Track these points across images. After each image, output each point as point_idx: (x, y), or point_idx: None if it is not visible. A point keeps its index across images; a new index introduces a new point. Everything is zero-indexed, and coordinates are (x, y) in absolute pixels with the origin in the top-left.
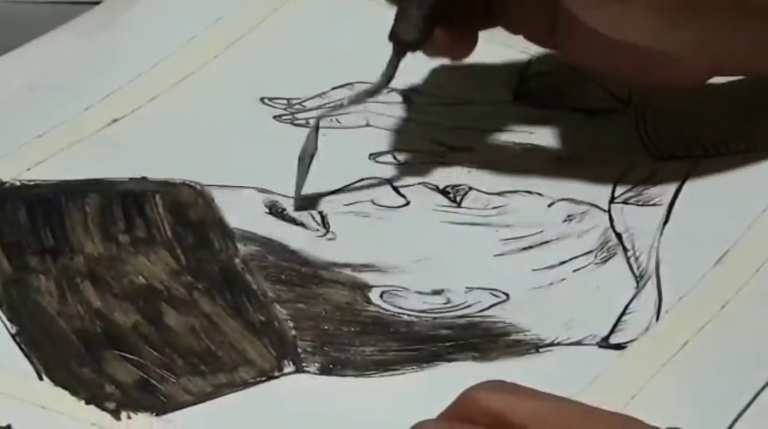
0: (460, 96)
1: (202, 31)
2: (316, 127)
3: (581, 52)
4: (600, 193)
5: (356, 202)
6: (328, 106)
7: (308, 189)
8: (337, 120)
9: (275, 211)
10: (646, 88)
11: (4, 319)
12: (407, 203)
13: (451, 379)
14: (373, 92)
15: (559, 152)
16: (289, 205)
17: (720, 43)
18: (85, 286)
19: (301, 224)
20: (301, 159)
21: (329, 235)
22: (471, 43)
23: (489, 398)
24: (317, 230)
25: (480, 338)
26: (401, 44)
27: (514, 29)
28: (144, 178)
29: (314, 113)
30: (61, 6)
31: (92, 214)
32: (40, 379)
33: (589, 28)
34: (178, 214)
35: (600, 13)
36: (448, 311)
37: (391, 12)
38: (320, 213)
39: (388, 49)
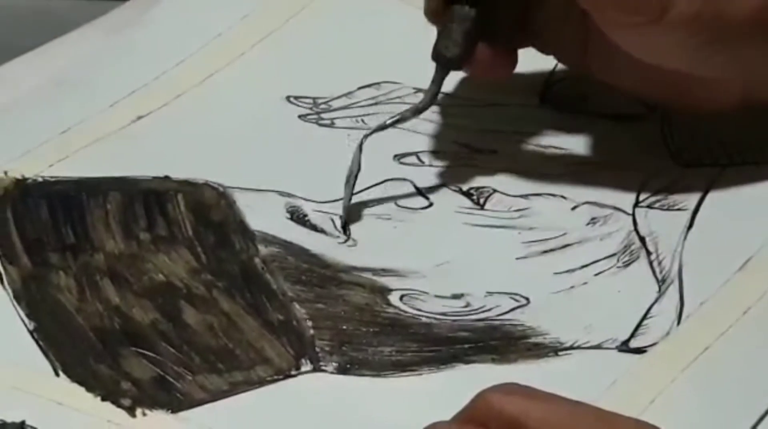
0: (486, 99)
1: (228, 29)
2: (360, 147)
3: (613, 74)
4: (624, 197)
5: (379, 204)
6: (369, 122)
7: (332, 191)
8: (362, 121)
9: (296, 217)
10: (678, 111)
11: (23, 315)
12: (430, 205)
13: (469, 381)
14: (418, 111)
15: (584, 156)
16: (310, 211)
17: (751, 70)
18: (105, 284)
19: (322, 231)
20: (347, 179)
21: (350, 242)
22: (512, 61)
23: (503, 401)
24: (338, 237)
25: (499, 341)
26: (443, 62)
27: (546, 49)
28: (167, 178)
29: (340, 113)
30: (89, 3)
31: (114, 212)
32: (57, 375)
33: (621, 50)
34: (199, 214)
35: (632, 35)
36: (467, 315)
37: (419, 11)
38: (342, 218)
39: (415, 49)
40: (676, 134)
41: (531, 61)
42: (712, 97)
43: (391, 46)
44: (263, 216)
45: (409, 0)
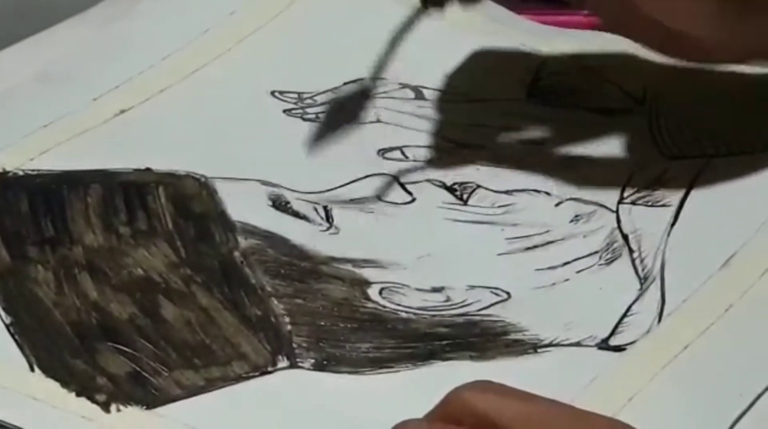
0: (473, 93)
1: (215, 25)
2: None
3: (618, 21)
4: (609, 193)
5: (362, 198)
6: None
7: (315, 184)
8: None
9: (279, 204)
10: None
11: (0, 309)
12: (413, 200)
13: (447, 378)
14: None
15: (570, 151)
16: (293, 199)
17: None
18: (83, 278)
19: (305, 218)
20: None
21: (332, 230)
22: None
23: (475, 399)
24: (320, 224)
25: (478, 337)
26: None
27: None
28: (148, 170)
29: (324, 108)
30: None
31: (94, 205)
32: (32, 370)
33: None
34: (180, 206)
35: (669, 6)
36: (447, 309)
37: (404, 8)
38: (324, 207)
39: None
40: (663, 126)
41: (519, 55)
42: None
43: (375, 43)
44: (245, 205)
45: None
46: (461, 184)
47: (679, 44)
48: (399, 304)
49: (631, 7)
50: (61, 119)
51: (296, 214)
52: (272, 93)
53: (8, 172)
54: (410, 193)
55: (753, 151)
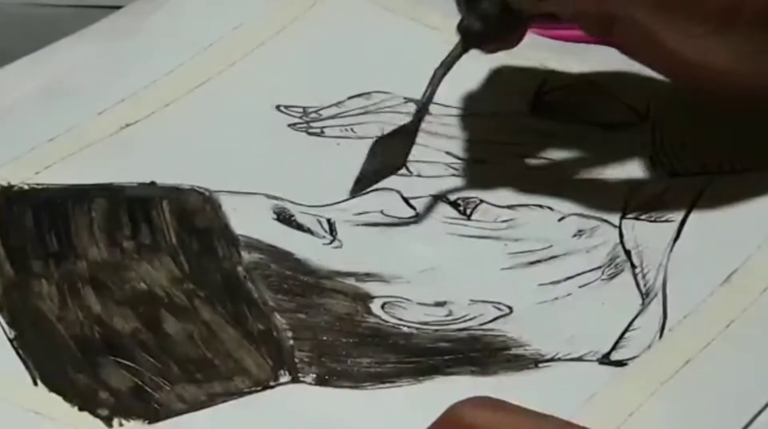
0: (477, 108)
1: (220, 39)
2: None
3: (639, 54)
4: (612, 208)
5: (366, 212)
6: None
7: (320, 198)
8: (352, 130)
9: (283, 217)
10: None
11: (3, 323)
12: (416, 214)
13: (448, 393)
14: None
15: (574, 166)
16: (297, 212)
17: None
18: (87, 292)
19: (309, 231)
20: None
21: (336, 243)
22: (524, 31)
23: (473, 414)
24: (324, 237)
25: (479, 352)
26: (469, 37)
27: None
28: (152, 184)
29: (329, 122)
30: (82, 10)
31: (98, 220)
32: (35, 384)
33: (650, 34)
34: (184, 221)
35: (694, 44)
36: (449, 324)
37: (410, 22)
38: (328, 220)
39: (405, 59)
40: (666, 143)
41: (523, 69)
42: (746, 90)
43: (381, 57)
44: (249, 218)
45: (399, 11)
46: (465, 199)
47: (707, 83)
48: (401, 319)
49: (648, 35)
50: (66, 133)
51: (300, 227)
52: (277, 107)
53: (13, 186)
54: (414, 208)
55: (756, 169)
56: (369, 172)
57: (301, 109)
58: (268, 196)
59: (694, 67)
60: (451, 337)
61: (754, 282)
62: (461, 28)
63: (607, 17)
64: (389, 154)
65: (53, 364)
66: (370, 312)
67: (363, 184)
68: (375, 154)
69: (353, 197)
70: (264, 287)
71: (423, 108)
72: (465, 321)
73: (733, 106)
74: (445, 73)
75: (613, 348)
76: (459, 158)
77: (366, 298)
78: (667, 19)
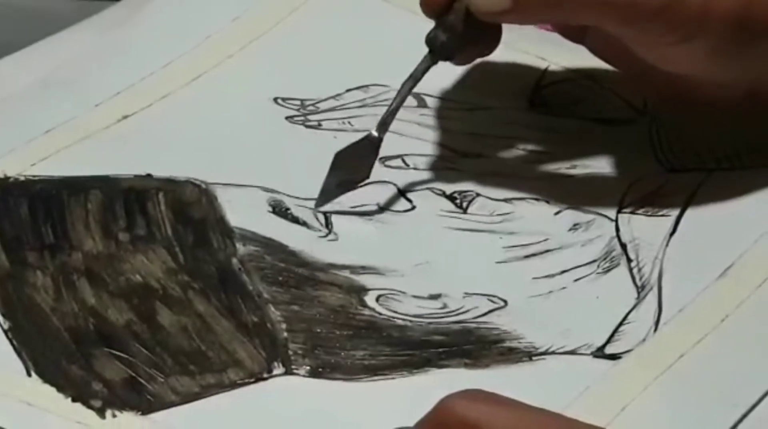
0: (475, 102)
1: (218, 31)
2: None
3: (614, 62)
4: (608, 202)
5: (362, 205)
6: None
7: (316, 191)
8: (349, 123)
9: (279, 210)
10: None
11: None
12: (413, 208)
13: (441, 386)
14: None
15: (571, 161)
16: (293, 205)
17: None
18: (81, 284)
19: (304, 224)
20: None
21: (331, 236)
22: (497, 38)
23: (465, 408)
24: (320, 230)
25: (473, 345)
26: (437, 50)
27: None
28: (148, 176)
29: (327, 115)
30: (80, 2)
31: (94, 211)
32: (29, 375)
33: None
34: (179, 213)
35: (661, 53)
36: (443, 316)
37: (408, 14)
38: (324, 214)
39: (403, 52)
40: (664, 138)
41: (521, 63)
42: (718, 97)
43: (379, 49)
44: (244, 211)
45: (398, 3)
46: (461, 192)
47: (681, 88)
48: (395, 312)
49: (627, 52)
50: (62, 125)
51: (296, 220)
52: (275, 100)
53: (9, 177)
54: (410, 201)
55: (753, 165)
56: (332, 185)
57: (298, 102)
58: (264, 189)
59: (664, 75)
60: (445, 329)
61: (749, 277)
62: (428, 40)
63: (576, 26)
64: (352, 167)
65: (47, 355)
66: (364, 304)
67: (326, 197)
68: (338, 166)
69: (318, 210)
70: (258, 279)
71: (387, 120)
72: (459, 314)
73: (707, 110)
74: (413, 86)
75: (608, 341)
76: (456, 152)
77: (360, 290)
78: (635, 30)
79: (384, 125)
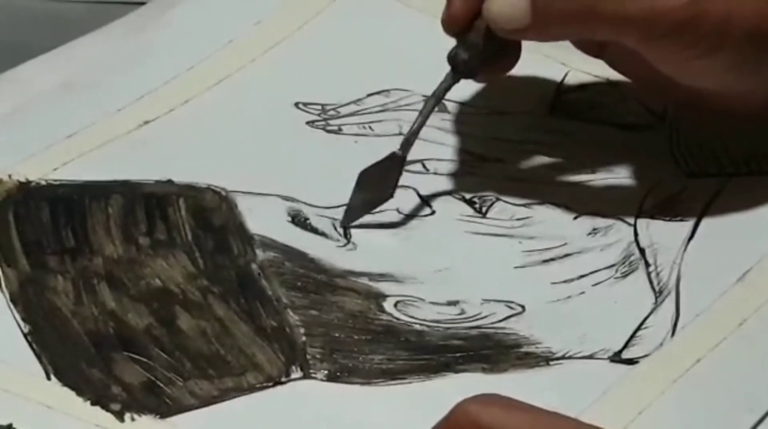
0: (496, 106)
1: (240, 35)
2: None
3: (632, 76)
4: (627, 207)
5: (382, 211)
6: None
7: (336, 198)
8: (370, 128)
9: (298, 220)
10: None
11: (18, 318)
12: (433, 212)
13: (459, 390)
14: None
15: (591, 166)
16: (312, 214)
17: None
18: (102, 288)
19: (323, 234)
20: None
21: (350, 246)
22: (517, 56)
23: (481, 412)
24: (338, 240)
25: (491, 349)
26: (459, 69)
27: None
28: (169, 181)
29: (348, 120)
30: (102, 6)
31: (115, 216)
32: (48, 378)
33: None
34: (199, 218)
35: (681, 67)
36: (461, 322)
37: (430, 19)
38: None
39: (424, 56)
40: (683, 144)
41: (542, 68)
42: (737, 107)
43: (401, 54)
44: (264, 219)
45: (420, 8)
46: (481, 196)
47: (700, 100)
48: (413, 317)
49: (647, 66)
50: (84, 130)
51: (315, 231)
52: (296, 104)
53: (30, 181)
54: (430, 206)
55: None
56: (357, 203)
57: (319, 107)
58: (284, 198)
59: (683, 88)
60: (462, 334)
61: (767, 281)
62: (450, 58)
63: (596, 42)
64: (377, 185)
65: (67, 359)
66: (382, 310)
67: (352, 215)
68: (362, 185)
69: (345, 228)
70: (278, 284)
71: (410, 139)
72: (477, 319)
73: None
74: (435, 105)
75: (625, 346)
76: (476, 156)
77: (379, 296)
78: (655, 46)
79: (408, 144)
